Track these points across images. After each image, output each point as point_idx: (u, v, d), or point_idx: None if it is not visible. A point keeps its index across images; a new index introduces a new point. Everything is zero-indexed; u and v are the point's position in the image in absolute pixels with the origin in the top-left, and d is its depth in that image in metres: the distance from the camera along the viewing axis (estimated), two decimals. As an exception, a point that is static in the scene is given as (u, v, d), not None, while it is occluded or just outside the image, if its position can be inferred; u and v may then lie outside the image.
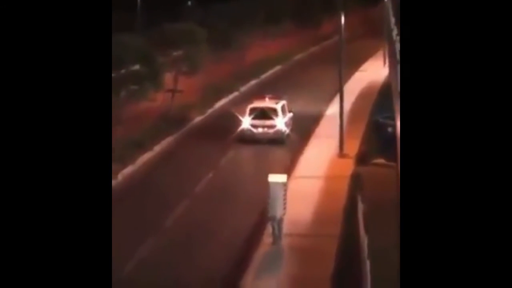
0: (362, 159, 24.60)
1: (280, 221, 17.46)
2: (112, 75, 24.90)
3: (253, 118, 27.11)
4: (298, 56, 48.74)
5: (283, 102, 28.43)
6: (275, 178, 17.71)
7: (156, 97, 27.09)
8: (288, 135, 27.54)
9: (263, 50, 44.48)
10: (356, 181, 21.86)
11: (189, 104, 31.13)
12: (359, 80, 39.14)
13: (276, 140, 26.89)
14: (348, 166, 23.94)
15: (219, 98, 34.20)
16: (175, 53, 30.96)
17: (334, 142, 26.00)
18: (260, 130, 26.99)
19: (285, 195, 17.49)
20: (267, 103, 28.02)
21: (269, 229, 18.07)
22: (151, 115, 28.47)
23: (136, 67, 26.14)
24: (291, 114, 28.49)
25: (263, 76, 41.02)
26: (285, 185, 17.62)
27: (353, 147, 25.96)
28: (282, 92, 35.27)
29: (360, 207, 18.39)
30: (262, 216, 18.65)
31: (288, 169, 22.67)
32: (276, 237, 17.48)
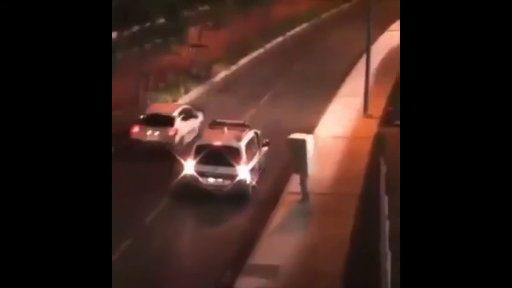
0: (386, 120, 24.31)
1: (307, 179, 17.55)
2: (137, 28, 24.88)
3: (201, 162, 17.64)
4: (327, 14, 47.97)
5: (251, 134, 18.74)
6: (302, 136, 17.73)
7: (180, 51, 26.87)
8: (254, 187, 18.08)
9: (292, 7, 43.85)
10: (379, 142, 21.66)
11: (213, 60, 30.92)
12: (388, 40, 38.46)
13: (236, 196, 17.57)
14: (372, 127, 23.68)
15: (244, 55, 33.92)
16: (201, 8, 30.67)
17: (359, 102, 25.68)
18: (211, 180, 17.61)
19: (313, 152, 17.59)
20: (225, 138, 18.16)
21: (289, 187, 18.14)
22: (175, 69, 28.34)
23: (162, 20, 25.92)
24: (265, 149, 19.49)
25: (289, 34, 40.53)
26: (312, 142, 17.68)
27: (378, 107, 25.63)
28: (307, 49, 34.91)
29: (383, 168, 18.22)
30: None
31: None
32: (305, 194, 17.59)
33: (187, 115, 21.59)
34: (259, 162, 18.68)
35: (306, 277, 14.03)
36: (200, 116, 22.43)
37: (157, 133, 20.31)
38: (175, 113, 21.02)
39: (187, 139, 20.98)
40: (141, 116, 20.87)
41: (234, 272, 14.16)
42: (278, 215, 16.95)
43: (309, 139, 17.74)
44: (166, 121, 20.52)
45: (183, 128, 20.97)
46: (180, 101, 25.98)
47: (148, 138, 20.29)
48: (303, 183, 17.63)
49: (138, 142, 20.26)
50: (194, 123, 21.80)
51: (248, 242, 15.42)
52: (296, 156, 17.38)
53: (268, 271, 14.18)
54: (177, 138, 20.58)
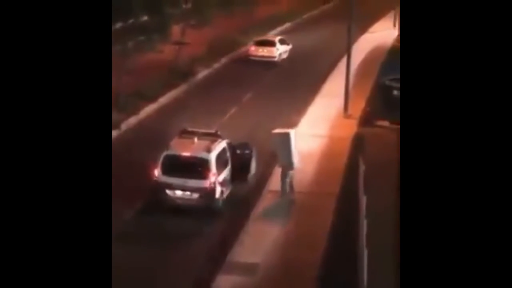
0: (366, 120, 24.63)
1: (293, 172, 17.78)
2: (120, 25, 24.88)
3: (168, 173, 16.65)
4: (309, 14, 48.30)
5: (222, 144, 17.58)
6: (286, 130, 18.04)
7: (163, 49, 26.94)
8: (224, 201, 17.15)
9: (275, 6, 44.13)
10: (358, 142, 21.94)
11: (196, 57, 31.02)
12: (368, 41, 38.87)
13: (205, 209, 16.69)
14: (351, 127, 23.96)
15: (226, 53, 34.07)
16: (184, 6, 30.74)
17: (340, 102, 25.96)
18: (178, 193, 16.68)
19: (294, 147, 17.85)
20: (194, 148, 17.05)
21: (270, 185, 18.37)
22: (157, 67, 28.40)
23: (144, 18, 25.96)
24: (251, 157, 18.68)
25: (271, 33, 40.73)
26: (294, 136, 17.94)
27: (358, 107, 25.92)
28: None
29: (361, 167, 18.50)
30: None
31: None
32: (284, 190, 17.77)
33: (283, 42, 34.90)
34: (226, 176, 17.48)
35: (285, 275, 14.24)
36: (290, 44, 35.42)
37: (265, 50, 33.67)
38: (276, 40, 34.68)
39: (283, 56, 34.41)
40: (255, 40, 34.46)
41: (213, 269, 14.33)
42: (259, 213, 17.17)
43: (292, 132, 18.04)
44: (271, 43, 34.20)
45: (281, 48, 34.17)
46: (161, 100, 26.12)
47: (260, 53, 33.68)
48: (284, 178, 17.81)
49: (253, 55, 33.73)
50: (287, 47, 35.08)
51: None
52: (281, 149, 17.66)
53: (248, 268, 14.37)
54: (277, 53, 33.67)
